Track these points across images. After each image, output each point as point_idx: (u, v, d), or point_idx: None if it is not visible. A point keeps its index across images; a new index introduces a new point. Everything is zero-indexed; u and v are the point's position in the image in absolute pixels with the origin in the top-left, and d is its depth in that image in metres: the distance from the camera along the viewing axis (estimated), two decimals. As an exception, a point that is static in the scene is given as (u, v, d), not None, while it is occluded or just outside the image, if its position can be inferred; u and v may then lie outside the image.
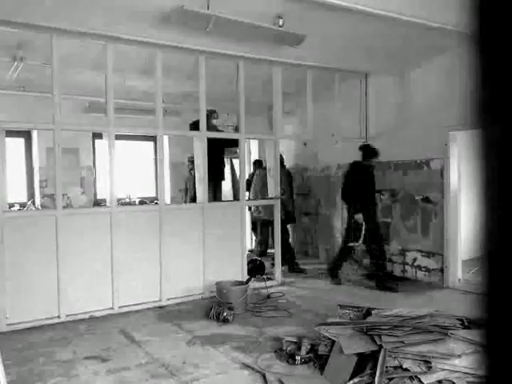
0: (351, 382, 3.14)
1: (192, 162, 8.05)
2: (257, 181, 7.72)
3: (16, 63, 5.43)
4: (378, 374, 3.04)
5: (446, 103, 5.82)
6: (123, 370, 3.60)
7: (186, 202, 6.24)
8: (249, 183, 7.99)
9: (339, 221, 7.74)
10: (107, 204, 5.22)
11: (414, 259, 6.51)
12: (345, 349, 3.32)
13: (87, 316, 4.93)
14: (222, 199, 6.82)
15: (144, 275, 5.32)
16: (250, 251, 7.96)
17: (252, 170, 8.53)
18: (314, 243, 8.36)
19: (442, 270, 6.12)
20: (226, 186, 9.34)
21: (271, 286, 6.22)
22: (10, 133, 7.04)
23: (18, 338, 4.33)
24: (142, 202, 8.21)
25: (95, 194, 8.56)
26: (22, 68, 5.58)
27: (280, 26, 4.57)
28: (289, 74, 6.31)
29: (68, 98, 6.62)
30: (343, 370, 3.24)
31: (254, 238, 8.74)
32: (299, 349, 3.69)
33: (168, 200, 7.98)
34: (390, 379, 3.07)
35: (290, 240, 7.72)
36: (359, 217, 6.02)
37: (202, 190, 5.86)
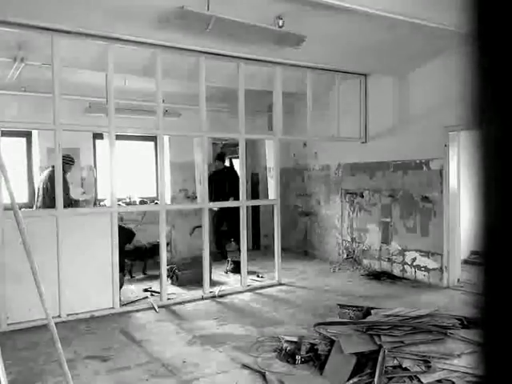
0: (351, 381, 3.15)
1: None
2: None
3: (16, 63, 5.43)
4: (377, 373, 3.06)
5: (445, 103, 5.82)
6: (124, 370, 3.61)
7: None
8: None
9: (339, 221, 7.75)
10: (107, 204, 5.23)
11: (414, 259, 6.52)
12: (344, 348, 3.33)
13: (88, 315, 4.94)
14: None
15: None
16: None
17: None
18: (314, 243, 8.37)
19: (441, 270, 6.13)
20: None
21: (271, 286, 6.23)
22: (11, 133, 7.04)
23: (18, 338, 4.34)
24: (143, 202, 8.21)
25: (96, 194, 8.56)
26: (23, 68, 5.59)
27: (280, 27, 4.58)
28: (289, 75, 6.32)
29: (69, 99, 6.62)
30: (343, 369, 3.25)
31: None
32: (299, 348, 3.70)
33: (168, 200, 7.98)
34: (390, 379, 3.08)
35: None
36: None
37: (202, 190, 5.87)
